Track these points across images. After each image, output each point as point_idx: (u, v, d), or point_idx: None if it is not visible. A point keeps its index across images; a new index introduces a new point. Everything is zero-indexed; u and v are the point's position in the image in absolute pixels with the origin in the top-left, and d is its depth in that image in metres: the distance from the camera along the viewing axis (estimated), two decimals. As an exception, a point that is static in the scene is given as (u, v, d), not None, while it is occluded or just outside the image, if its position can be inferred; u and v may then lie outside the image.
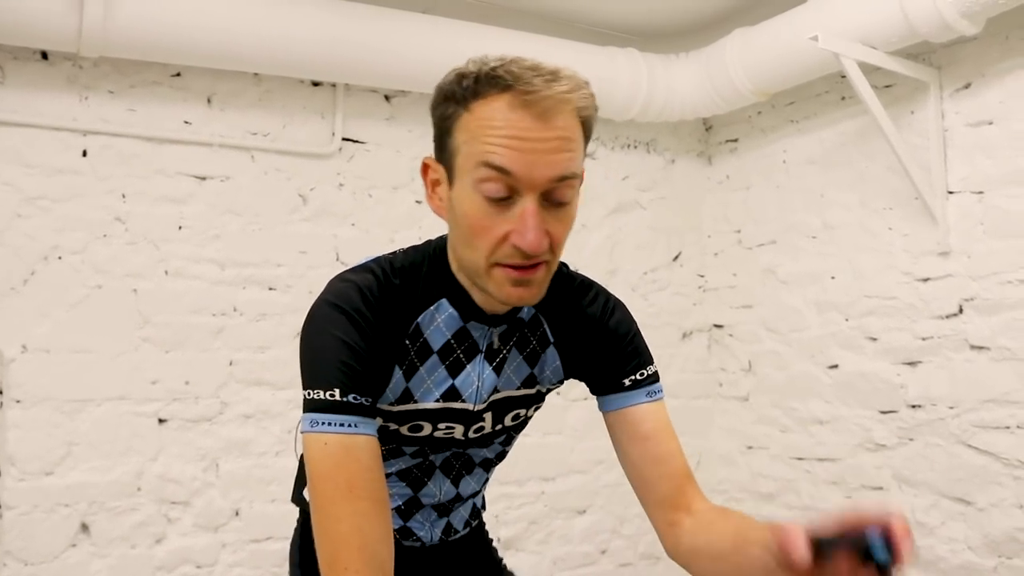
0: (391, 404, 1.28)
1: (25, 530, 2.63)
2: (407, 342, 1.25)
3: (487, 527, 1.70)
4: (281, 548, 2.91)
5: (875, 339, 3.07)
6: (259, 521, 2.94)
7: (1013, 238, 2.67)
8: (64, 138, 2.76)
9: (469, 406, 1.32)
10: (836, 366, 3.22)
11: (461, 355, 1.29)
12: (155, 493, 2.80)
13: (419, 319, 1.26)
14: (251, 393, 2.96)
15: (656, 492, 1.34)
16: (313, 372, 1.17)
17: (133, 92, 2.86)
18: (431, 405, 1.29)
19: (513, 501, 3.36)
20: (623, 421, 1.36)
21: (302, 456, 1.60)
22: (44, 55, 2.74)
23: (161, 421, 2.83)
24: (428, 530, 1.47)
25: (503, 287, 1.15)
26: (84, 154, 2.78)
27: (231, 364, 2.94)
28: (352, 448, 1.14)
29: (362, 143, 3.19)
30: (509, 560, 1.80)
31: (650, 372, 1.37)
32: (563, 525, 3.49)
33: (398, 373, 1.26)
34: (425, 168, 1.22)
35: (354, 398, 1.15)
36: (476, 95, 1.11)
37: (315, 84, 3.11)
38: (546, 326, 1.36)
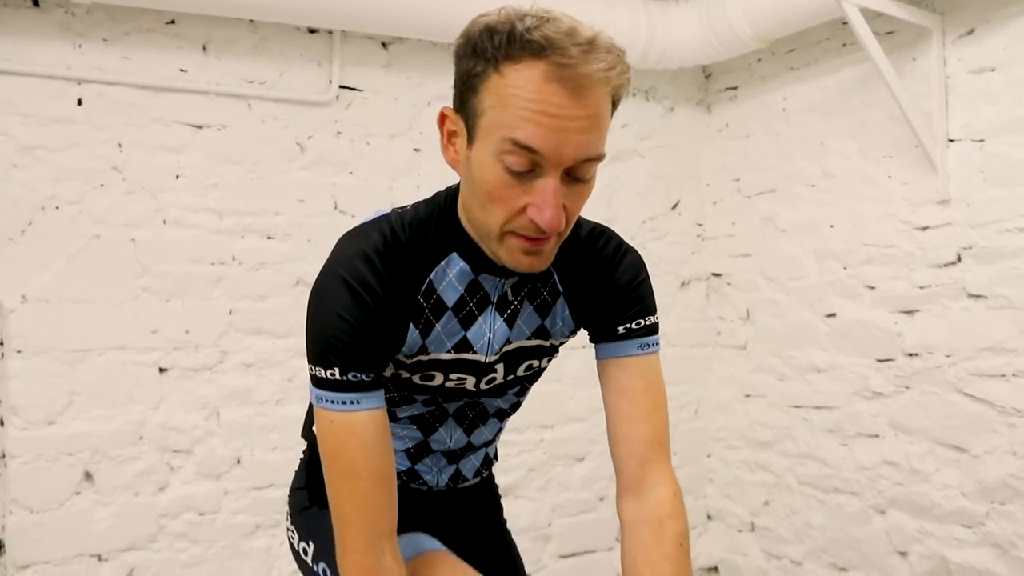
0: (405, 357, 1.28)
1: (29, 478, 2.66)
2: (421, 300, 1.25)
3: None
4: (283, 495, 2.94)
5: (873, 287, 3.08)
6: (260, 469, 2.97)
7: (1013, 186, 2.66)
8: (58, 87, 2.73)
9: (480, 358, 1.31)
10: (834, 314, 3.23)
11: (473, 307, 1.28)
12: (157, 442, 2.83)
13: (431, 276, 1.25)
14: (251, 342, 2.97)
15: (619, 452, 1.33)
16: (315, 349, 1.20)
17: (127, 40, 2.82)
18: (443, 356, 1.29)
19: (512, 448, 3.39)
20: (607, 371, 1.35)
21: None
22: (35, 2, 2.71)
23: (162, 370, 2.85)
24: (435, 475, 1.48)
25: (513, 254, 1.16)
26: (79, 103, 2.76)
27: (231, 313, 2.95)
28: (354, 427, 1.18)
29: (359, 91, 3.15)
30: (508, 507, 1.82)
31: (648, 323, 1.34)
32: (562, 472, 3.53)
33: (414, 332, 1.25)
34: (443, 118, 1.18)
35: (354, 376, 1.17)
36: (508, 57, 1.06)
37: (311, 31, 3.07)
38: (556, 277, 1.34)
